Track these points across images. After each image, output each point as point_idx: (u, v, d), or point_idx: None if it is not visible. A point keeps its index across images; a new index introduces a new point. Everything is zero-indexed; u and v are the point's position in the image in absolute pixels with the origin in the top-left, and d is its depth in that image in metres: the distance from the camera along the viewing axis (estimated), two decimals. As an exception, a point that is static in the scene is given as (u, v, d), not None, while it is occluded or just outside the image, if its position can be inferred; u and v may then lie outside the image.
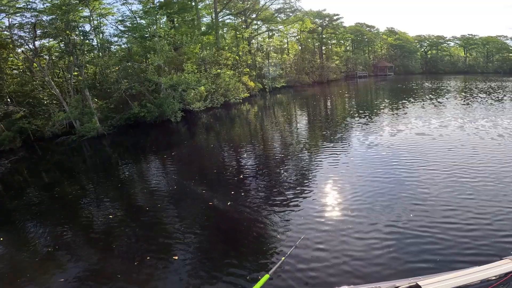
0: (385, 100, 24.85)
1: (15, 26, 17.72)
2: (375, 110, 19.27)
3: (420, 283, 2.14)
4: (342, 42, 60.07)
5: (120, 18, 25.55)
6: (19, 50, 18.34)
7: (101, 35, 24.82)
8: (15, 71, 19.68)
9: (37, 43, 18.63)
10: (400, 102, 21.86)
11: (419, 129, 12.94)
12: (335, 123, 16.31)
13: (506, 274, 2.18)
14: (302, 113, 22.19)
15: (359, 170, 8.31)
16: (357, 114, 18.12)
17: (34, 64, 17.76)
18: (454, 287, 2.06)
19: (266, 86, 33.46)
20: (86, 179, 10.19)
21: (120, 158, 12.83)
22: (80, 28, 17.95)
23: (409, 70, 63.00)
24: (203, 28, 29.90)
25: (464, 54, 65.21)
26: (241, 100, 26.16)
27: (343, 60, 56.11)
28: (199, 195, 7.53)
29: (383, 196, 6.56)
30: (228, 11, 33.76)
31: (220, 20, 34.94)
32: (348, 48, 62.12)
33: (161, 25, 26.84)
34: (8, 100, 17.39)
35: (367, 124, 14.80)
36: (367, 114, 17.98)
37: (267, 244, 5.06)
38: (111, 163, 12.13)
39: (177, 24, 27.07)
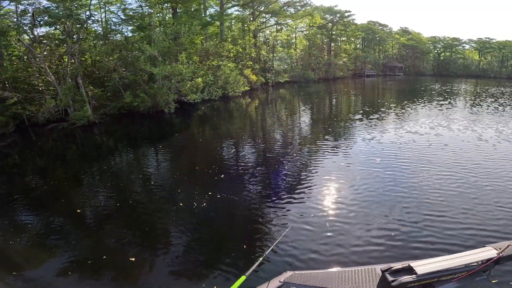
0: (392, 100, 24.04)
1: (18, 13, 17.58)
2: (380, 110, 18.57)
3: (412, 264, 2.35)
4: (353, 39, 58.55)
5: (123, 7, 25.19)
6: (19, 37, 18.12)
7: (101, 23, 24.51)
8: (13, 58, 19.51)
9: (37, 30, 18.56)
10: (407, 103, 21.08)
11: (422, 129, 12.66)
12: (338, 120, 15.79)
13: (488, 260, 2.36)
14: (304, 109, 21.50)
15: (360, 167, 8.29)
16: (361, 113, 17.49)
17: (37, 50, 17.43)
18: (441, 269, 2.28)
19: (269, 80, 32.69)
20: (71, 167, 9.82)
21: (109, 148, 12.55)
22: (75, 17, 17.42)
23: (420, 72, 61.35)
24: (209, 19, 29.20)
25: (479, 57, 63.05)
26: (240, 94, 25.47)
27: (351, 58, 54.72)
28: (187, 187, 7.35)
29: (381, 192, 6.65)
30: (235, 2, 32.90)
31: (228, 11, 34.37)
32: (358, 46, 60.64)
33: (159, 14, 26.39)
34: (7, 85, 17.11)
35: (370, 123, 14.41)
36: (372, 113, 17.31)
37: (251, 240, 5.07)
38: (99, 152, 11.79)
39: (179, 14, 26.45)
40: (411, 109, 18.58)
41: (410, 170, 7.96)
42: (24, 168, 9.96)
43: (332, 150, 10.05)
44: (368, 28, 58.14)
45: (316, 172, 8.05)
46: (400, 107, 19.43)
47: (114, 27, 24.55)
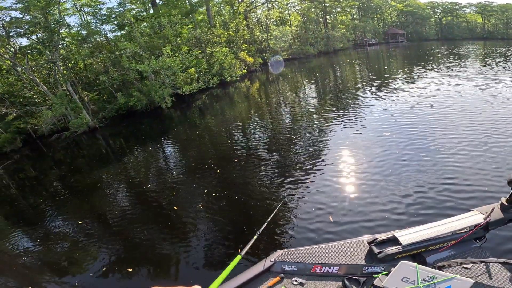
0: (398, 66, 22.62)
1: None
2: (387, 77, 17.30)
3: (396, 234, 2.28)
4: (348, 10, 55.89)
5: (98, 7, 23.80)
6: None
7: (84, 26, 23.25)
8: (3, 72, 18.65)
9: (17, 42, 17.77)
10: (414, 68, 19.64)
11: (432, 93, 11.75)
12: (344, 92, 14.78)
13: (475, 226, 2.25)
14: (307, 84, 20.17)
15: (370, 137, 7.82)
16: (367, 81, 16.40)
17: (22, 62, 16.56)
18: (427, 238, 2.19)
19: (267, 60, 31.04)
20: (81, 174, 9.65)
21: (113, 151, 12.23)
22: (43, 24, 16.16)
23: (423, 37, 58.43)
24: (192, 7, 27.48)
25: (482, 20, 59.81)
26: (237, 78, 23.95)
27: (350, 28, 52.21)
28: (201, 177, 7.17)
29: (392, 162, 6.25)
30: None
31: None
32: (355, 16, 57.98)
33: (138, 9, 25.01)
34: (5, 101, 16.64)
35: (378, 91, 13.52)
36: (378, 81, 16.15)
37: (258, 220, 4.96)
38: (104, 156, 11.55)
39: (158, 5, 24.92)
40: (419, 73, 17.32)
41: (422, 135, 7.39)
42: (39, 180, 10.12)
43: (340, 122, 9.54)
44: (362, -3, 55.39)
45: (324, 147, 7.79)
46: (407, 72, 18.14)
47: (94, 29, 23.22)
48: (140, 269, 4.41)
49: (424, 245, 2.17)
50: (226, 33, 26.75)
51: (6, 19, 16.37)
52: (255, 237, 2.61)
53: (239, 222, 5.10)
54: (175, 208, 6.00)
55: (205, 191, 6.35)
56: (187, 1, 27.83)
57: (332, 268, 2.29)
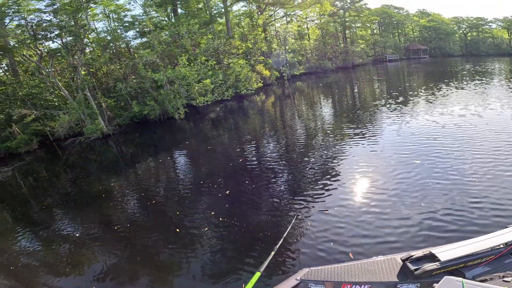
0: (419, 82, 21.76)
1: (22, 28, 17.26)
2: (409, 94, 16.59)
3: (433, 251, 2.24)
4: (368, 25, 55.11)
5: (123, 14, 24.43)
6: (24, 53, 17.71)
7: (109, 32, 23.81)
8: (28, 74, 19.56)
9: (44, 45, 18.42)
10: (437, 85, 18.70)
11: (458, 113, 11.02)
12: (363, 109, 14.21)
13: None
14: (325, 99, 19.71)
15: (389, 158, 7.39)
16: (387, 98, 15.76)
17: (46, 65, 17.04)
18: (466, 254, 2.15)
19: (284, 74, 30.65)
20: (92, 179, 9.74)
21: (124, 159, 12.26)
22: (68, 28, 16.60)
23: (447, 53, 56.59)
24: (213, 17, 27.69)
25: (509, 36, 57.53)
26: (253, 91, 23.58)
27: (370, 43, 51.32)
28: (209, 189, 7.12)
29: (410, 184, 5.89)
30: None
31: (235, 8, 32.79)
32: (375, 31, 57.10)
33: (160, 17, 25.35)
34: (27, 102, 17.23)
35: (398, 109, 13.05)
36: (399, 98, 15.52)
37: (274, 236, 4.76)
38: (116, 164, 11.60)
39: (180, 14, 25.21)
40: (442, 90, 16.45)
41: (448, 155, 7.02)
42: (48, 183, 10.23)
43: (358, 139, 9.19)
44: (383, 12, 54.50)
45: (341, 164, 7.48)
46: (430, 89, 17.31)
47: (118, 35, 23.73)
48: (137, 278, 4.41)
49: (463, 260, 2.15)
50: (244, 45, 26.64)
51: (34, 21, 17.00)
52: (273, 253, 2.56)
53: (252, 237, 4.94)
54: (184, 219, 5.92)
55: (215, 204, 6.27)
56: (207, 12, 28.10)
57: (363, 286, 2.21)
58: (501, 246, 2.22)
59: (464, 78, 21.82)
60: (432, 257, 2.19)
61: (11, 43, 17.62)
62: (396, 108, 13.17)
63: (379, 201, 5.33)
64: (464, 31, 61.90)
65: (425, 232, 4.31)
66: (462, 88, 16.57)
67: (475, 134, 8.25)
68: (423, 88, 18.37)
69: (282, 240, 2.68)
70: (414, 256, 2.25)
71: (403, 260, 2.27)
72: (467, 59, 47.12)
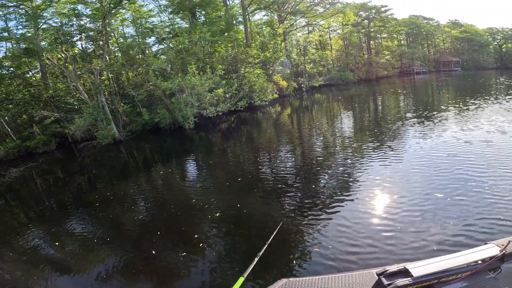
0: (450, 97, 20.15)
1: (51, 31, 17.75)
2: (437, 109, 15.31)
3: (407, 266, 2.21)
4: (395, 35, 52.95)
5: (144, 21, 24.71)
6: (48, 56, 18.16)
7: (134, 39, 24.18)
8: (54, 76, 20.24)
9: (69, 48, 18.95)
10: (468, 100, 17.21)
11: (489, 132, 10.03)
12: (385, 125, 13.10)
13: (491, 257, 2.18)
14: (344, 113, 18.49)
15: (412, 179, 6.81)
16: (414, 114, 14.60)
17: (69, 68, 17.56)
18: (439, 270, 2.13)
19: (302, 85, 29.59)
20: (96, 184, 10.06)
21: (133, 165, 12.30)
22: (86, 34, 16.83)
23: (480, 65, 53.15)
24: (231, 25, 27.36)
25: None
26: (267, 102, 22.68)
27: (396, 55, 49.10)
28: (217, 199, 7.06)
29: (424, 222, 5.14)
30: (257, 5, 30.73)
31: (256, 17, 32.52)
32: (402, 42, 54.77)
33: (180, 24, 25.34)
34: (49, 104, 17.84)
35: (426, 125, 12.08)
36: (427, 113, 14.37)
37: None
38: (125, 169, 11.75)
39: (200, 20, 25.04)
40: (474, 106, 15.07)
41: (475, 178, 6.38)
42: (58, 184, 10.60)
43: (379, 157, 8.56)
44: (412, 23, 52.24)
45: (356, 180, 7.14)
46: (460, 104, 15.93)
47: (139, 41, 23.98)
48: (139, 281, 4.46)
49: (436, 276, 2.12)
50: (262, 55, 25.99)
51: (66, 26, 17.56)
52: (256, 258, 2.67)
53: (242, 246, 5.04)
54: (191, 227, 5.94)
55: (219, 214, 6.23)
56: (227, 20, 27.84)
57: None
58: (479, 262, 2.18)
59: (498, 92, 20.18)
60: (406, 273, 2.17)
61: (42, 45, 18.29)
62: (421, 124, 12.18)
63: (390, 223, 5.09)
64: (499, 43, 58.26)
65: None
66: (494, 104, 15.28)
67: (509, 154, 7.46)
68: (452, 102, 16.95)
69: (266, 246, 2.71)
70: (389, 271, 2.23)
71: (378, 275, 2.26)
72: (501, 72, 44.15)
